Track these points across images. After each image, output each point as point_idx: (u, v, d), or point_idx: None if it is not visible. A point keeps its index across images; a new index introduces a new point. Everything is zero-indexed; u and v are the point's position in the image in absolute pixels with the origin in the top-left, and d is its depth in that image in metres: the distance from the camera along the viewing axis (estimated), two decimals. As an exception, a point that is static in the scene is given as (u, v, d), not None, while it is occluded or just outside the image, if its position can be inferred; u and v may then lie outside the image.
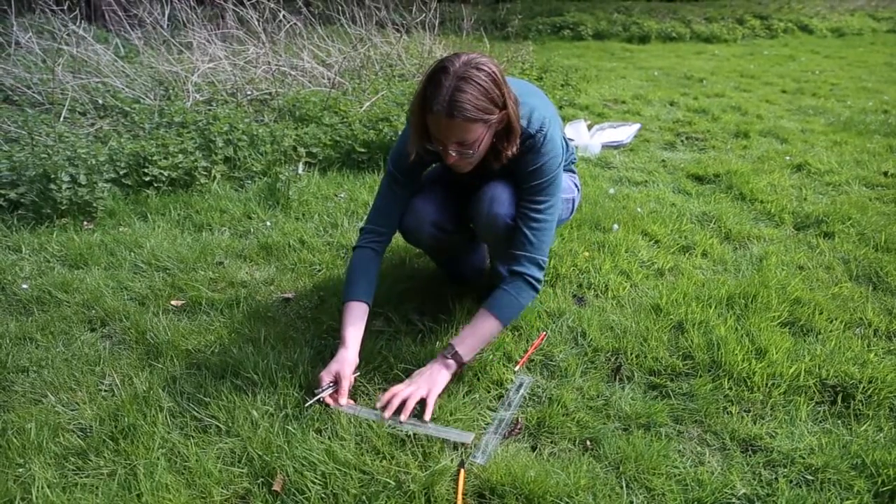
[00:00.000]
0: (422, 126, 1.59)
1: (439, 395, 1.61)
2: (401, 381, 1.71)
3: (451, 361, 1.65)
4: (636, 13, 10.24)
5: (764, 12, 10.58)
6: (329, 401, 1.59)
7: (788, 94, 5.73)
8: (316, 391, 1.58)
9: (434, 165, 1.92)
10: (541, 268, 1.72)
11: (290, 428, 1.51)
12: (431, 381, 1.62)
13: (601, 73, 6.58)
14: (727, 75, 6.58)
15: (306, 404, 1.56)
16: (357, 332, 1.69)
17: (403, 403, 1.57)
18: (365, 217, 1.94)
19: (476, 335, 1.68)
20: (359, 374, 1.69)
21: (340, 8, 5.28)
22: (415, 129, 1.62)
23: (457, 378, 1.71)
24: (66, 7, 4.74)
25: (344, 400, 1.59)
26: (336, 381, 1.60)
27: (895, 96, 5.56)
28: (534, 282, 1.71)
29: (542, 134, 1.67)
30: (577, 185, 2.07)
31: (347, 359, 1.64)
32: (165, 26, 4.87)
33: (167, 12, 4.97)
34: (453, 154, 1.58)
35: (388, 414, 1.55)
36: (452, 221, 1.89)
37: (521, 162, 1.70)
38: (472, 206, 1.80)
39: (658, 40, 9.25)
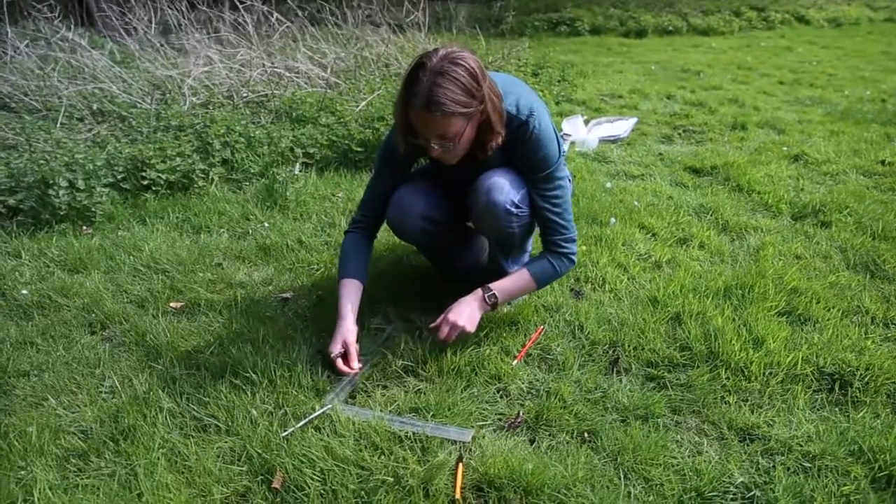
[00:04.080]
0: (405, 122, 1.63)
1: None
2: (399, 378, 1.73)
3: (488, 306, 1.78)
4: (633, 7, 10.21)
5: (760, 4, 10.52)
6: (344, 368, 1.70)
7: (786, 85, 5.72)
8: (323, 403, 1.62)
9: (424, 161, 1.93)
10: (574, 241, 1.85)
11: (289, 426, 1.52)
12: (473, 320, 1.75)
13: (598, 68, 6.58)
14: (724, 68, 6.57)
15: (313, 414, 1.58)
16: (353, 306, 1.80)
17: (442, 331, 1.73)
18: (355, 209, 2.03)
19: (513, 289, 1.82)
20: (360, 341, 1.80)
21: (330, 9, 5.28)
22: (399, 125, 1.67)
23: (455, 373, 1.73)
24: (58, 14, 4.74)
25: (356, 364, 1.72)
26: (345, 350, 1.73)
27: (892, 85, 5.55)
28: (573, 256, 1.85)
29: (535, 119, 1.71)
30: (568, 178, 2.08)
31: (349, 328, 1.76)
32: (153, 32, 4.87)
33: (157, 18, 4.97)
34: (436, 147, 1.63)
35: (441, 336, 1.71)
36: (442, 213, 1.89)
37: (523, 151, 1.74)
38: (470, 195, 1.81)
39: (655, 34, 9.23)
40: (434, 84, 1.51)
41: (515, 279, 1.82)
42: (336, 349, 1.71)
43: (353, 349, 1.73)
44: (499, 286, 1.79)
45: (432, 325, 1.77)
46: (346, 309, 1.78)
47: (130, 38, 4.99)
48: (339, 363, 1.71)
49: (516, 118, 1.70)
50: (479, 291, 1.78)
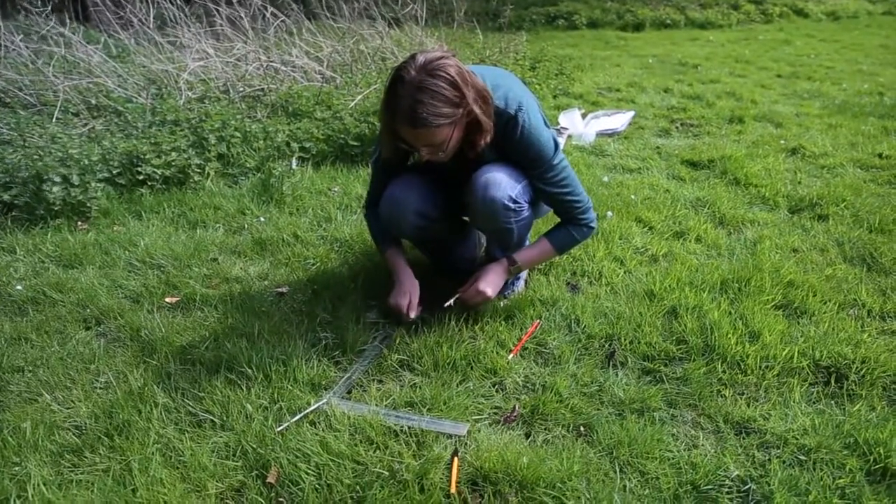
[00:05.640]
0: (392, 132, 1.64)
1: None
2: (394, 372, 1.73)
3: (510, 268, 1.88)
4: (630, 1, 10.18)
5: (759, -3, 10.52)
6: (409, 313, 1.84)
7: (783, 78, 5.71)
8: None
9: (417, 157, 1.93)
10: (591, 209, 1.89)
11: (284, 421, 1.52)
12: (497, 289, 1.87)
13: (595, 61, 6.56)
14: (722, 61, 6.56)
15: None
16: (409, 267, 1.93)
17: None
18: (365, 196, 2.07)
19: (534, 255, 1.92)
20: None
21: (326, 3, 5.25)
22: (386, 134, 1.68)
23: (451, 367, 1.72)
24: (49, 8, 4.71)
25: (413, 314, 1.85)
26: (409, 302, 1.84)
27: (890, 78, 5.54)
28: (592, 224, 1.90)
29: (524, 113, 1.70)
30: None
31: (415, 283, 1.89)
32: (151, 26, 4.84)
33: (153, 12, 4.94)
34: (426, 154, 1.66)
35: (468, 300, 1.86)
36: (435, 210, 1.89)
37: (516, 146, 1.73)
38: (467, 192, 1.80)
39: (652, 28, 9.22)
40: (416, 101, 1.50)
41: (537, 251, 1.91)
42: (404, 303, 1.84)
43: (416, 301, 1.85)
44: (522, 258, 1.89)
45: (461, 290, 1.88)
46: (404, 269, 1.91)
47: (126, 33, 4.96)
48: (404, 308, 1.83)
49: (505, 112, 1.69)
50: (505, 262, 1.88)
